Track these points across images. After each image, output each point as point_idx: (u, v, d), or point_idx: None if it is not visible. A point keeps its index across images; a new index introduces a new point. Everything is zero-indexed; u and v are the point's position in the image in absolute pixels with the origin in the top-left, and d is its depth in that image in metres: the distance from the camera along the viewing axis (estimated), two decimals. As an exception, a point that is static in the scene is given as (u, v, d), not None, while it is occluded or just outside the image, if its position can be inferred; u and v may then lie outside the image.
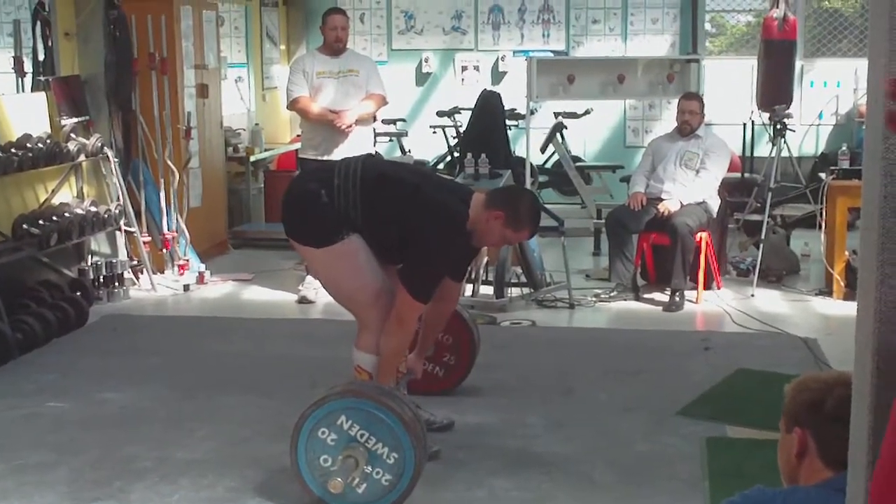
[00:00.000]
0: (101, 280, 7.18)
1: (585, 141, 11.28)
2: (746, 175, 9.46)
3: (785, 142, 7.97)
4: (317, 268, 4.57)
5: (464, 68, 11.54)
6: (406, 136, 11.00)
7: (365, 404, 3.76)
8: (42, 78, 7.21)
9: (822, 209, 7.32)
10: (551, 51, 11.28)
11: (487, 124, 9.47)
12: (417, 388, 4.75)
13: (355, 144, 6.86)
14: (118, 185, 7.41)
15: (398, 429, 3.72)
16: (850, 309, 6.32)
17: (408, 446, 3.72)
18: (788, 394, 2.13)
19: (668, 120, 9.86)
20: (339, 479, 3.68)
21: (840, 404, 1.91)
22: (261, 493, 4.00)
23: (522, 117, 9.39)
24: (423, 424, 3.95)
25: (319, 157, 6.86)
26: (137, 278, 7.62)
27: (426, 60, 11.56)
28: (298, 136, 8.71)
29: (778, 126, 7.97)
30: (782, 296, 7.30)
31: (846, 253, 7.08)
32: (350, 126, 6.87)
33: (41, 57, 7.31)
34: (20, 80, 7.15)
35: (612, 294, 7.16)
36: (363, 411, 3.75)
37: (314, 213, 4.25)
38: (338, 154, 6.82)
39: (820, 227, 7.36)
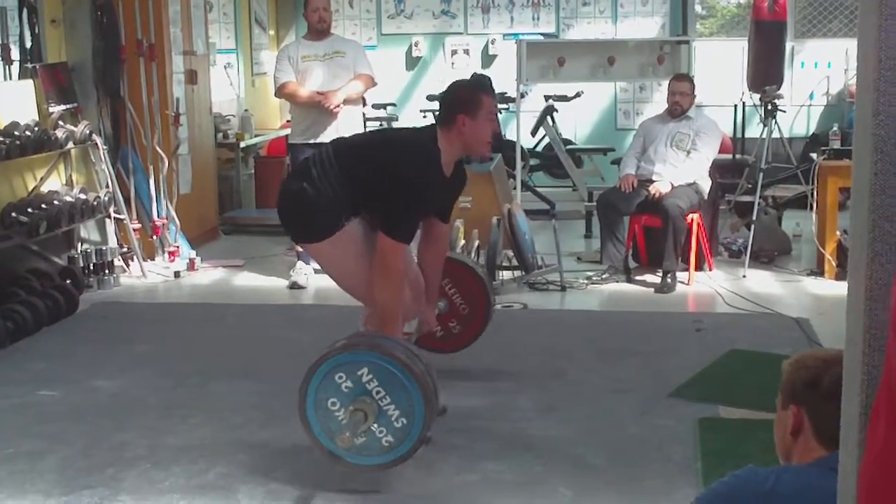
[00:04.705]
0: (91, 268, 7.16)
1: (576, 124, 11.27)
2: (738, 156, 9.47)
3: (776, 123, 7.97)
4: (330, 263, 4.46)
5: (454, 52, 11.52)
6: (396, 120, 10.97)
7: (391, 365, 3.71)
8: (29, 65, 7.16)
9: (813, 189, 7.32)
10: (541, 34, 11.25)
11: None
12: (432, 346, 4.75)
13: (344, 125, 6.85)
14: (107, 172, 7.38)
15: (416, 399, 3.67)
16: (841, 289, 6.31)
17: (419, 418, 3.68)
18: (786, 370, 2.13)
19: (658, 102, 9.86)
20: (348, 434, 3.66)
21: (836, 383, 1.90)
22: (253, 479, 3.99)
23: (513, 100, 9.37)
24: (438, 401, 3.91)
25: (309, 142, 6.84)
26: (128, 265, 7.59)
27: (416, 45, 11.53)
28: (288, 121, 8.69)
29: (769, 107, 7.97)
30: (774, 276, 7.31)
31: (837, 233, 7.09)
32: (338, 106, 6.84)
33: (28, 44, 7.26)
34: (7, 67, 7.09)
35: (603, 276, 7.15)
36: (387, 371, 3.70)
37: (307, 208, 4.25)
38: (327, 137, 6.79)
39: (811, 207, 7.36)
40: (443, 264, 4.70)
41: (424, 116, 10.80)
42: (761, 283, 7.12)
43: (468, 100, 4.25)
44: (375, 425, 3.70)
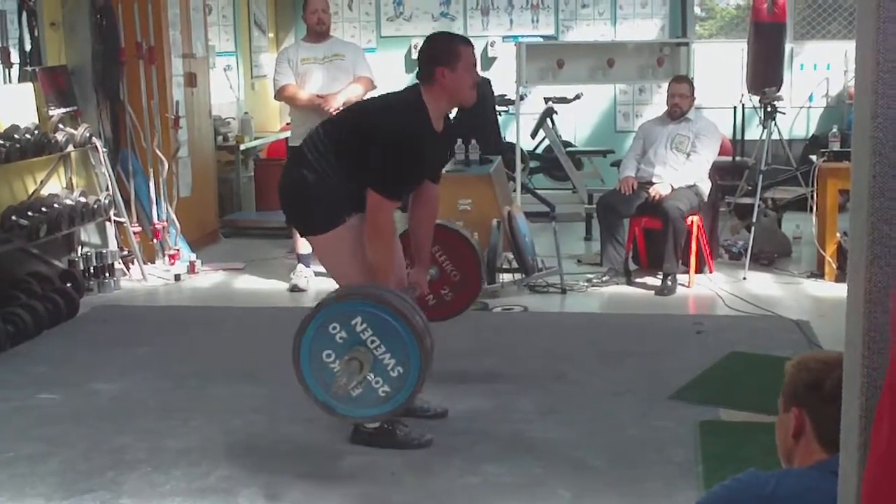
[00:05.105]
0: (92, 271, 7.15)
1: (576, 126, 11.27)
2: (737, 158, 9.47)
3: (775, 124, 7.97)
4: (332, 261, 4.42)
5: (453, 54, 11.50)
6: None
7: (385, 313, 3.68)
8: (29, 68, 7.17)
9: (813, 191, 7.32)
10: (541, 36, 11.25)
11: (477, 110, 9.42)
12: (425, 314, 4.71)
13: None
14: (107, 175, 7.38)
15: (411, 346, 3.65)
16: (841, 291, 6.30)
17: (415, 365, 3.65)
18: (788, 372, 2.12)
19: (658, 104, 9.86)
20: (344, 381, 3.64)
21: (838, 385, 1.90)
22: (254, 482, 3.99)
23: (512, 103, 9.38)
24: (433, 345, 3.89)
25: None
26: (128, 268, 7.59)
27: (415, 47, 11.51)
28: (288, 124, 8.68)
29: (768, 109, 7.97)
30: (774, 278, 7.30)
31: (837, 235, 7.08)
32: (338, 109, 6.84)
33: (28, 47, 7.26)
34: (7, 70, 7.10)
35: (603, 279, 7.15)
36: (381, 319, 3.68)
37: (308, 197, 4.24)
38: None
39: (811, 209, 7.36)
40: (434, 226, 4.64)
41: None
42: (761, 285, 7.12)
43: (445, 52, 4.23)
44: (371, 375, 3.67)
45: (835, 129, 7.77)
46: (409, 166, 4.19)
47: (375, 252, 4.16)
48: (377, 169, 4.13)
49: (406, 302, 3.89)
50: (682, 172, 7.14)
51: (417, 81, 4.31)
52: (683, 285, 7.05)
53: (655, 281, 7.13)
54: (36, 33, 7.26)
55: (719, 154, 7.66)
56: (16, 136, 6.48)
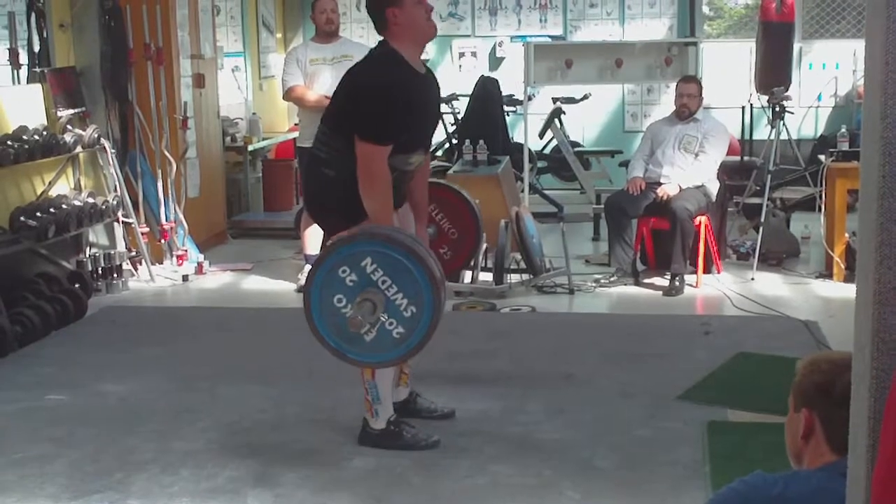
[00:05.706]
0: (100, 272, 7.17)
1: (584, 126, 11.26)
2: (746, 158, 9.44)
3: (784, 124, 7.94)
4: None
5: (461, 54, 11.51)
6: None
7: (395, 251, 3.65)
8: (38, 69, 7.18)
9: (821, 191, 7.30)
10: (549, 36, 11.25)
11: (485, 110, 9.47)
12: None
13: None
14: (115, 176, 7.39)
15: (423, 283, 3.61)
16: (850, 291, 6.28)
17: (428, 303, 3.62)
18: (799, 371, 2.11)
19: (666, 104, 9.85)
20: (360, 318, 3.61)
21: (849, 388, 1.89)
22: (262, 483, 3.99)
23: (520, 103, 9.37)
24: (445, 284, 3.84)
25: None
26: (136, 269, 7.60)
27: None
28: (296, 124, 8.69)
29: (777, 109, 7.94)
30: (782, 279, 7.29)
31: (846, 235, 7.06)
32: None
33: (36, 48, 7.28)
34: (16, 72, 7.11)
35: (611, 279, 7.14)
36: (391, 258, 3.64)
37: (329, 193, 4.22)
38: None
39: (820, 209, 7.34)
40: (427, 182, 4.61)
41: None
42: (770, 285, 7.10)
43: None
44: (385, 316, 3.64)
45: (843, 129, 7.74)
46: (398, 114, 4.09)
47: (372, 203, 4.03)
48: (365, 117, 4.07)
49: (418, 244, 3.87)
50: (690, 173, 7.13)
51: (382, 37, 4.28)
52: (691, 286, 7.04)
53: (663, 281, 7.11)
54: (45, 34, 7.28)
55: (727, 154, 7.64)
56: (24, 137, 6.49)
